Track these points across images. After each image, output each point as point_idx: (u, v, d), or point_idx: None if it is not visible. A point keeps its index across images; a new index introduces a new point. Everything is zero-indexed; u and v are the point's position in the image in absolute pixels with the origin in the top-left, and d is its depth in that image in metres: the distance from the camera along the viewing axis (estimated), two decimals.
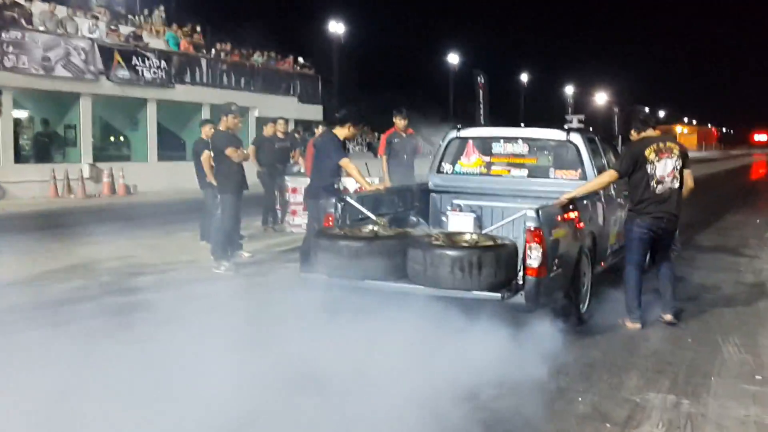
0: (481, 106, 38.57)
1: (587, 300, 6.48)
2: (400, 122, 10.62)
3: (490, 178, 7.58)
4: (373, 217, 6.20)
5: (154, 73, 22.58)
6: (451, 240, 5.61)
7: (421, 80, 57.05)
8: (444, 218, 7.59)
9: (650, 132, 6.29)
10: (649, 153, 6.11)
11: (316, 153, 7.57)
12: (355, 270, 5.45)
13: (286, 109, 27.76)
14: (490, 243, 5.46)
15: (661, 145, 6.16)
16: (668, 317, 6.31)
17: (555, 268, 5.65)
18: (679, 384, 4.84)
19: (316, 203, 6.87)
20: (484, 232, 5.98)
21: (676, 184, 6.17)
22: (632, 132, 6.35)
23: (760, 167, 51.01)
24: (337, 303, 5.68)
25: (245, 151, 8.87)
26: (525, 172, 7.47)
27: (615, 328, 6.12)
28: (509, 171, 7.54)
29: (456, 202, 7.64)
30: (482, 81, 38.59)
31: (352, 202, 6.25)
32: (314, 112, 30.82)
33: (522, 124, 8.10)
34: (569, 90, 67.73)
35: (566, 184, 6.99)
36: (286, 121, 13.27)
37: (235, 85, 26.44)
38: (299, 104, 29.02)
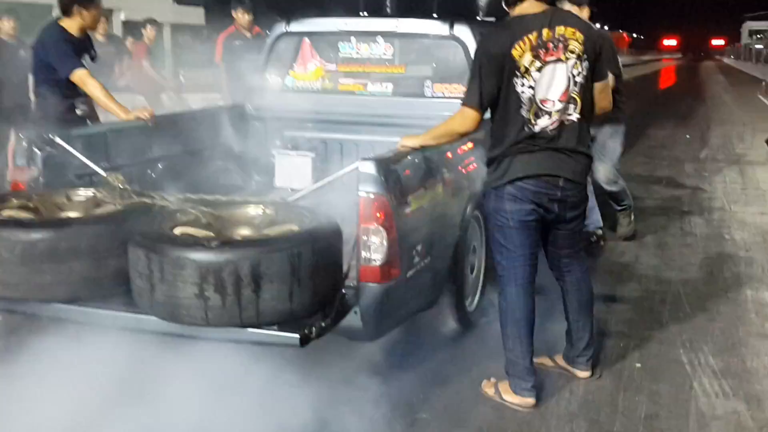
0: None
1: (478, 290, 4.12)
2: (242, 17, 7.78)
3: (337, 97, 4.99)
4: (101, 172, 3.49)
5: None
6: (219, 223, 3.02)
7: None
8: (272, 160, 5.02)
9: (529, 6, 3.06)
10: (520, 54, 2.98)
11: (33, 61, 4.60)
12: (27, 286, 2.84)
13: (159, 11, 23.79)
14: (290, 228, 2.91)
15: (545, 33, 2.97)
16: (583, 373, 3.45)
17: (418, 259, 3.20)
18: None
19: None
20: (292, 198, 3.39)
21: (575, 115, 3.04)
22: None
23: (669, 72, 49.94)
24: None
25: None
26: (389, 87, 4.90)
27: None
28: (365, 86, 4.95)
29: (288, 134, 5.07)
30: None
31: (63, 143, 3.49)
32: (196, 15, 26.97)
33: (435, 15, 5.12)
34: None
35: (450, 105, 4.48)
36: (106, 17, 10.05)
37: None
38: (176, 5, 24.98)
